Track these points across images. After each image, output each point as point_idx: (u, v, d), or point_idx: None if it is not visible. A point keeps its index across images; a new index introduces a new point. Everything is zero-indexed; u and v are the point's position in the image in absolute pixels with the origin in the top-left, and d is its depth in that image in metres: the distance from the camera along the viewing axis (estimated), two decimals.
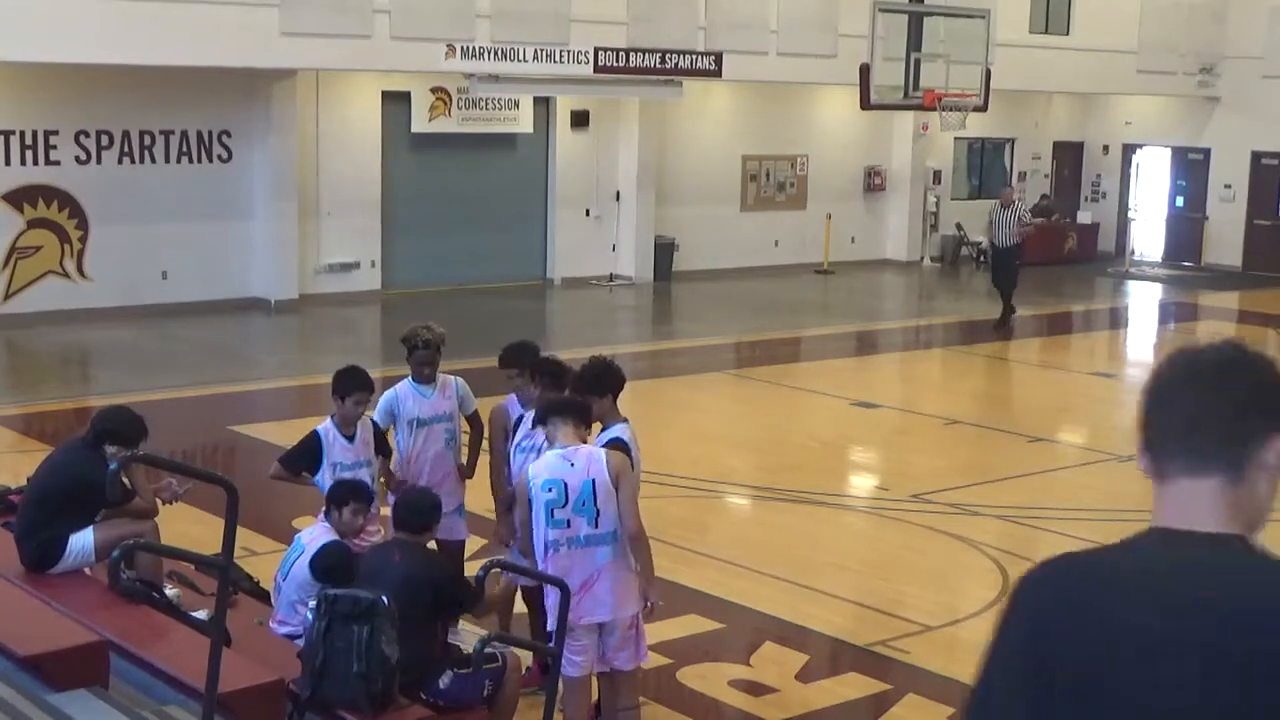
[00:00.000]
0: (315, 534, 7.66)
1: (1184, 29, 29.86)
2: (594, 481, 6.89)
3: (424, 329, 9.05)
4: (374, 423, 8.68)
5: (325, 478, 8.32)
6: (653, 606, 7.25)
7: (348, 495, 7.71)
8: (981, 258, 27.70)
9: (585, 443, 7.11)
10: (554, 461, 6.97)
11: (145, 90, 20.75)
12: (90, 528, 7.58)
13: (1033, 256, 30.25)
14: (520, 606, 8.61)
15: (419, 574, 6.86)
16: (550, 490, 6.91)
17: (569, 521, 6.92)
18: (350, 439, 8.43)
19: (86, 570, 7.70)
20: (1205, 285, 28.75)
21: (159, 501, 8.00)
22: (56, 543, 7.51)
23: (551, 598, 7.12)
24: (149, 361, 18.25)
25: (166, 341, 19.61)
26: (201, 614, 7.25)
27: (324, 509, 7.85)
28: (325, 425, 8.40)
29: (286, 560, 7.63)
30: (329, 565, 7.29)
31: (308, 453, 8.38)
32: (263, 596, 8.37)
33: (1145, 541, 2.44)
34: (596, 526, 6.93)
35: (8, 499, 8.77)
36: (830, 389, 16.52)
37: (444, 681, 6.85)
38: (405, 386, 8.93)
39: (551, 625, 7.15)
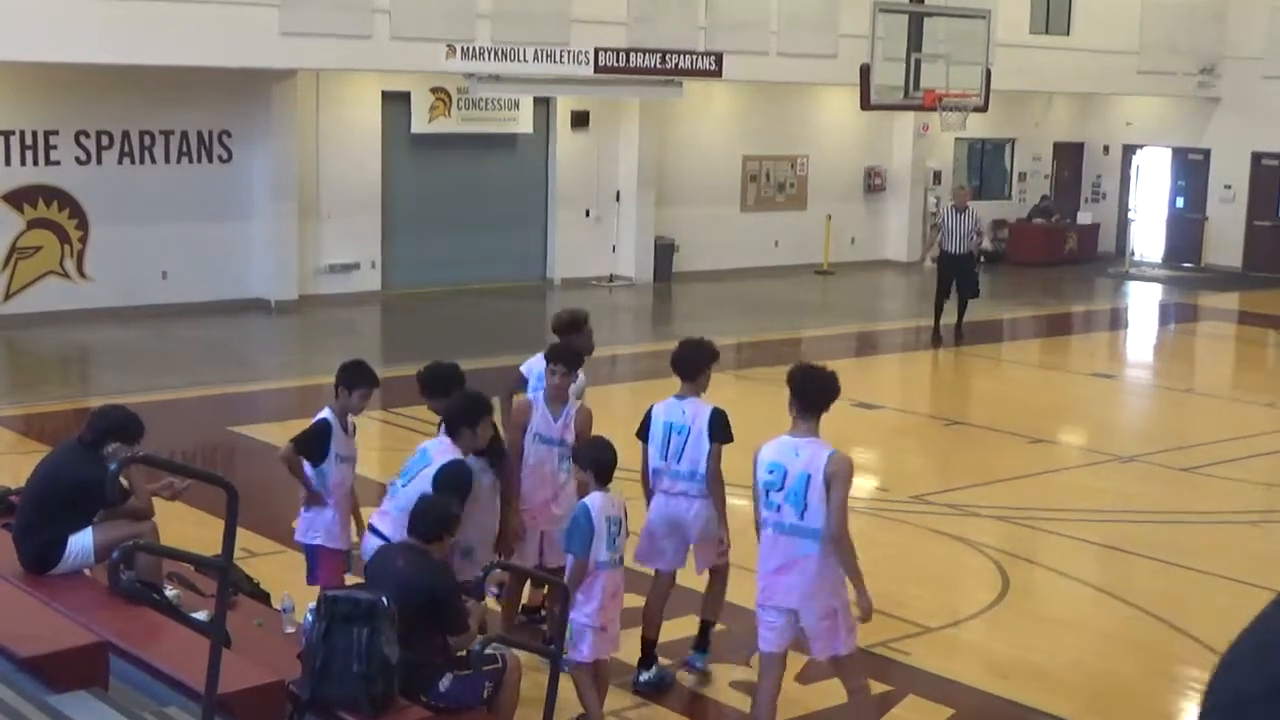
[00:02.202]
0: (441, 448, 7.95)
1: (1184, 29, 29.86)
2: (809, 476, 7.06)
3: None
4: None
5: (330, 468, 8.32)
6: (864, 615, 7.31)
7: (479, 413, 8.03)
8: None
9: (818, 435, 7.21)
10: (783, 446, 7.20)
11: (145, 90, 20.75)
12: (89, 529, 7.56)
13: (1033, 257, 30.39)
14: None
15: (420, 581, 6.84)
16: (771, 473, 7.16)
17: (779, 506, 7.14)
18: (345, 430, 8.46)
19: (86, 571, 7.69)
20: (1205, 286, 28.75)
21: (161, 498, 7.99)
22: (55, 544, 7.50)
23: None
24: (149, 362, 18.25)
25: (166, 342, 19.61)
26: (201, 615, 7.24)
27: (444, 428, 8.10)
28: (330, 414, 8.40)
29: (411, 468, 7.96)
30: (451, 482, 7.65)
31: (319, 439, 8.37)
32: (263, 598, 8.37)
33: None
34: (802, 519, 7.10)
35: (8, 500, 8.76)
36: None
37: (444, 684, 6.85)
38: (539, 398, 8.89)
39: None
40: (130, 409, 7.88)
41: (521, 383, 9.53)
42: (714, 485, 8.48)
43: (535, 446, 8.66)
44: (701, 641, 8.91)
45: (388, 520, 7.82)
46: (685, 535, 8.62)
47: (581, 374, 9.12)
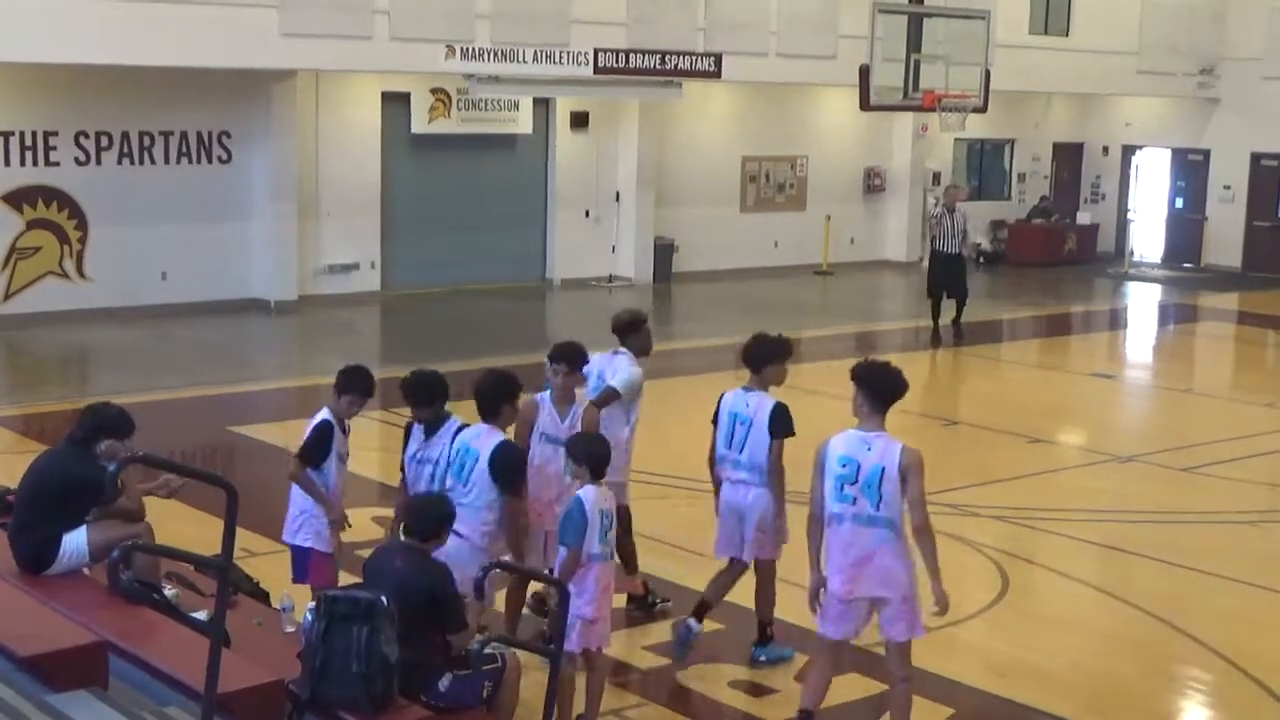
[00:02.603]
0: (481, 436, 8.10)
1: (1184, 30, 29.86)
2: (883, 469, 7.29)
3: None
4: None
5: (332, 467, 8.33)
6: (941, 606, 7.49)
7: (515, 391, 8.23)
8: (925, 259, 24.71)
9: (884, 427, 7.45)
10: (854, 441, 7.42)
11: (145, 91, 20.74)
12: (84, 528, 7.55)
13: (1032, 258, 30.39)
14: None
15: (419, 580, 6.83)
16: (844, 466, 7.38)
17: (855, 499, 7.36)
18: (343, 431, 8.49)
19: (85, 571, 7.69)
20: (1205, 286, 28.75)
21: (157, 496, 8.00)
22: (50, 543, 7.49)
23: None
24: (148, 362, 18.25)
25: (166, 342, 19.60)
26: (200, 614, 7.24)
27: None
28: (328, 413, 8.40)
29: (462, 468, 8.08)
30: (511, 464, 8.01)
31: (323, 441, 8.37)
32: (262, 597, 8.37)
33: None
34: (878, 510, 7.34)
35: (6, 500, 8.76)
36: (830, 390, 16.51)
37: (443, 684, 6.84)
38: (546, 399, 8.93)
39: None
40: (120, 406, 7.88)
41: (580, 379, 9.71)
42: (773, 479, 8.80)
43: (541, 446, 8.68)
44: (762, 638, 9.17)
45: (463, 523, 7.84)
46: (742, 522, 8.92)
47: (635, 366, 9.58)
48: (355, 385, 8.46)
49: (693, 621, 9.03)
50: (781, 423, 8.76)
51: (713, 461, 9.11)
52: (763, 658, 9.17)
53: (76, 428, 7.70)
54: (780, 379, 9.07)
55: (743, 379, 9.14)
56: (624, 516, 9.61)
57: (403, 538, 7.27)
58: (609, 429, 9.13)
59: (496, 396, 8.25)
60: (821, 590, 7.61)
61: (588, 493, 7.66)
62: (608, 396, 9.41)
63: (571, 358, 8.74)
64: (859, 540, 7.40)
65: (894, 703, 7.79)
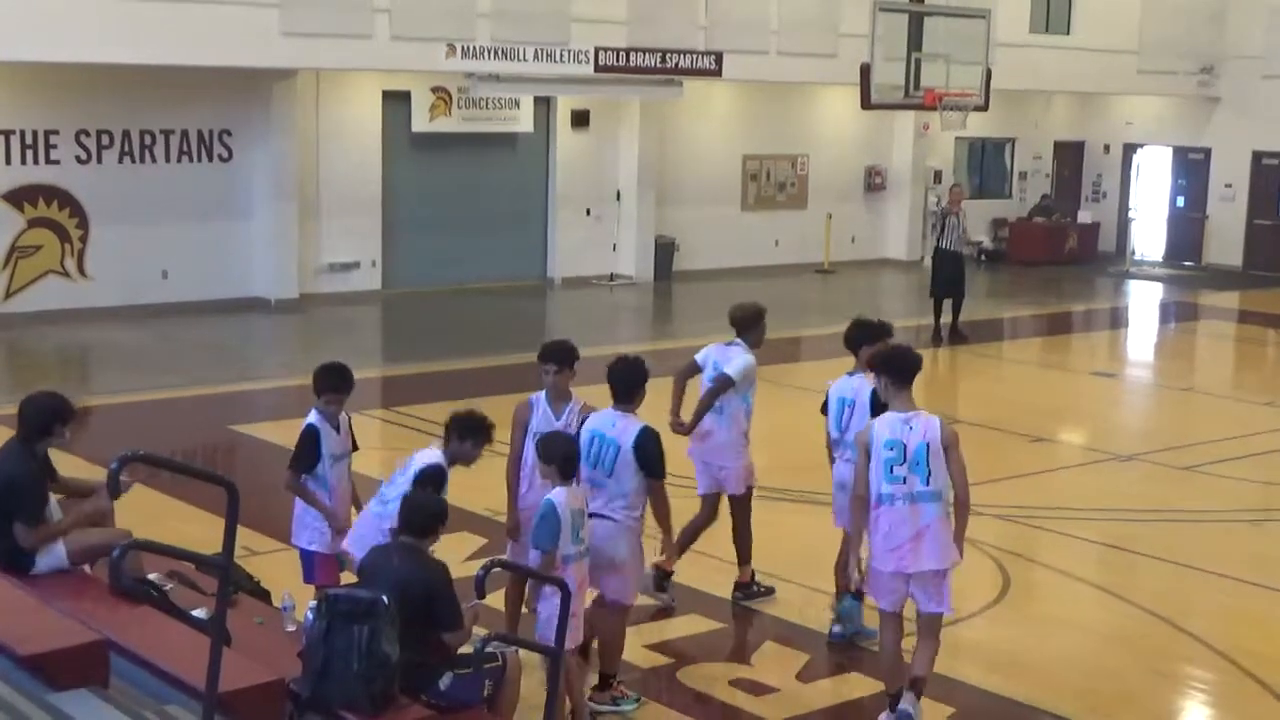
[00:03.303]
0: (617, 424, 8.24)
1: (1184, 29, 29.85)
2: (927, 445, 7.72)
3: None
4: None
5: (326, 469, 8.32)
6: (955, 562, 7.95)
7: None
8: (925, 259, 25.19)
9: (916, 407, 7.88)
10: (895, 423, 7.81)
11: (146, 90, 20.75)
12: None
13: (1034, 256, 30.39)
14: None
15: (416, 578, 6.82)
16: (891, 449, 7.75)
17: (905, 478, 7.72)
18: (336, 429, 8.45)
19: (87, 569, 7.69)
20: (1206, 285, 28.75)
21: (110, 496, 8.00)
22: (18, 550, 7.46)
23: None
24: (149, 361, 18.25)
25: (167, 341, 19.61)
26: (199, 612, 7.24)
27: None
28: (315, 417, 8.38)
29: (600, 457, 8.20)
30: (655, 452, 8.15)
31: (309, 446, 8.33)
32: (263, 596, 8.37)
33: None
34: (928, 484, 7.73)
35: None
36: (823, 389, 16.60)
37: (444, 683, 6.84)
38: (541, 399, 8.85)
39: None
40: (52, 391, 7.86)
41: (695, 369, 10.21)
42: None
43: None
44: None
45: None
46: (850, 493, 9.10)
47: (749, 355, 9.91)
48: (328, 383, 8.38)
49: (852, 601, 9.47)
50: (881, 403, 8.91)
51: (829, 446, 9.53)
52: (836, 629, 9.53)
53: (20, 425, 7.66)
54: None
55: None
56: (744, 504, 10.12)
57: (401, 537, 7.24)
58: (725, 416, 9.80)
59: (632, 381, 8.38)
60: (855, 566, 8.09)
61: (559, 494, 7.65)
62: (722, 384, 9.75)
63: (561, 356, 8.69)
64: (913, 517, 7.75)
65: (924, 658, 8.10)
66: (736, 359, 9.86)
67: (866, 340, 9.31)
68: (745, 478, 10.12)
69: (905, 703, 8.03)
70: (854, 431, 8.88)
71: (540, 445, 7.95)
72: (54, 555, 7.53)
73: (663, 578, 9.86)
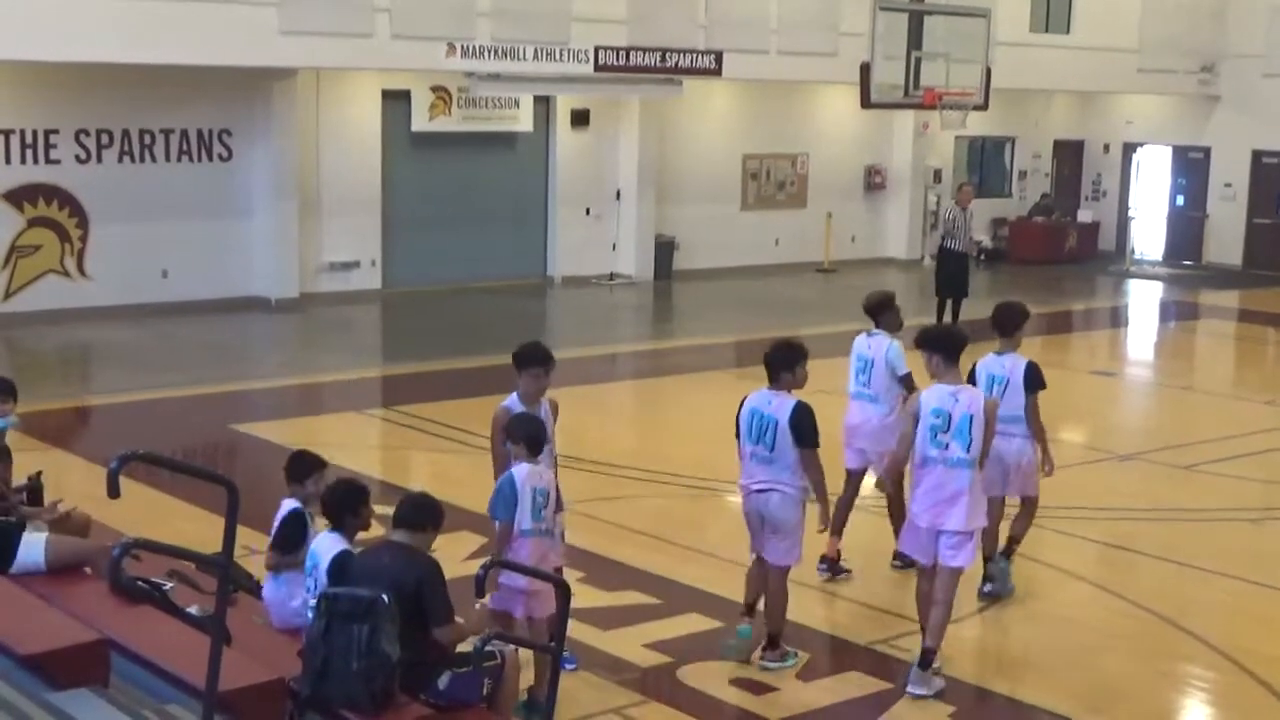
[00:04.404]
0: (773, 402, 8.73)
1: (1184, 27, 29.86)
2: (971, 416, 8.51)
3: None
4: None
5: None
6: (981, 526, 8.84)
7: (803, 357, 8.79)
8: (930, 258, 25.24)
9: (961, 379, 8.76)
10: (943, 394, 8.60)
11: (145, 89, 20.75)
12: (43, 536, 7.60)
13: (1033, 255, 30.39)
14: None
15: (407, 576, 6.78)
16: (937, 417, 8.54)
17: (948, 445, 8.50)
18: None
19: (87, 570, 7.69)
20: (1206, 284, 28.75)
21: (43, 520, 8.01)
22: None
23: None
24: (149, 360, 18.25)
25: (166, 340, 19.61)
26: (192, 609, 7.24)
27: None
28: (295, 504, 7.93)
29: (763, 433, 8.73)
30: (807, 423, 8.66)
31: (298, 528, 7.92)
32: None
33: None
34: (967, 452, 8.51)
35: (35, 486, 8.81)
36: (831, 388, 16.57)
37: (442, 682, 6.83)
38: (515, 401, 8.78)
39: None
40: None
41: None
42: (1033, 427, 10.10)
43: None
44: (1009, 550, 10.43)
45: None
46: (1005, 466, 10.03)
47: (895, 340, 10.57)
48: (297, 473, 7.99)
49: (1003, 560, 10.30)
50: (1035, 378, 10.08)
51: None
52: (987, 587, 10.18)
53: None
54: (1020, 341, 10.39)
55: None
56: (856, 482, 10.89)
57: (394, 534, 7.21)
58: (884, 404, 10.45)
59: (784, 363, 8.83)
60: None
61: (520, 470, 7.90)
62: (911, 385, 10.23)
63: (531, 360, 8.63)
64: (949, 481, 8.53)
65: (934, 624, 8.66)
66: (893, 350, 10.56)
67: (1020, 322, 10.27)
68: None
69: (909, 681, 8.60)
70: (1006, 407, 9.68)
71: (509, 425, 8.17)
72: (32, 559, 7.52)
73: (835, 565, 10.59)
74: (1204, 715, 9.07)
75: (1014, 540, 10.45)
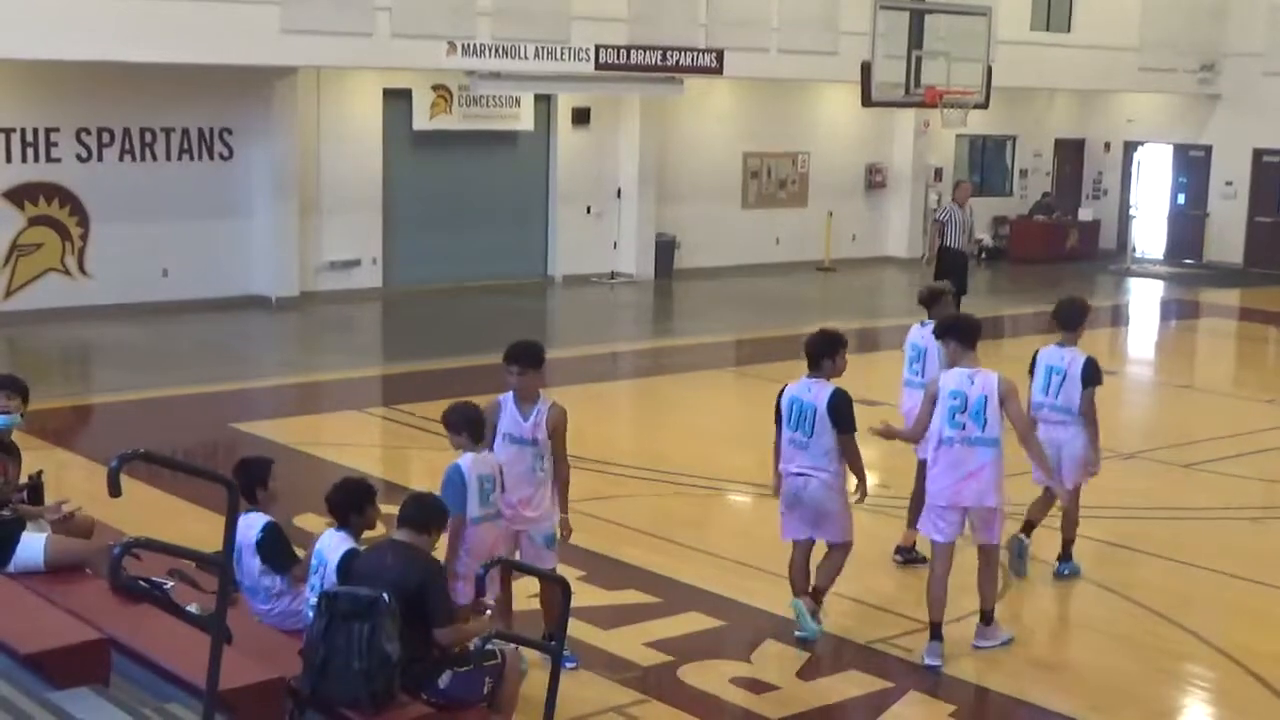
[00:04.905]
0: (813, 389, 9.17)
1: (1185, 26, 29.87)
2: (986, 397, 8.96)
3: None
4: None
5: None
6: (1003, 502, 9.23)
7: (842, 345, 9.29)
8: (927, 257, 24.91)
9: (979, 363, 9.17)
10: (960, 377, 9.08)
11: (146, 87, 20.75)
12: (44, 536, 7.63)
13: (1034, 254, 30.38)
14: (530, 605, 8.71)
15: (410, 576, 6.80)
16: (955, 398, 9.02)
17: (964, 425, 8.99)
18: None
19: (88, 570, 7.70)
20: (1206, 282, 28.74)
21: (45, 518, 8.02)
22: None
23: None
24: (149, 359, 18.25)
25: (167, 339, 19.61)
26: (191, 607, 7.24)
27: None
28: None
29: (802, 419, 9.15)
30: (845, 408, 9.11)
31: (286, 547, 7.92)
32: None
33: None
34: (983, 431, 8.98)
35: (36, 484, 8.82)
36: None
37: (444, 681, 6.84)
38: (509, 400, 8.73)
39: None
40: None
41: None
42: (1087, 420, 10.42)
43: (505, 447, 8.53)
44: (1066, 554, 10.81)
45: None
46: (1060, 455, 10.39)
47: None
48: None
49: (1024, 536, 10.60)
50: (1093, 372, 10.38)
51: (1032, 406, 10.56)
52: (1065, 572, 10.72)
53: None
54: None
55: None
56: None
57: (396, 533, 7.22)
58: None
59: (824, 350, 9.28)
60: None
61: (466, 459, 8.01)
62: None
63: (524, 358, 8.60)
64: (966, 459, 9.00)
65: (984, 595, 9.32)
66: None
67: (1080, 316, 10.72)
68: None
69: (976, 639, 9.24)
70: (1063, 397, 10.32)
71: (446, 417, 8.24)
72: (31, 557, 7.53)
73: (910, 552, 10.95)
74: (1204, 714, 9.06)
75: (1031, 524, 10.79)
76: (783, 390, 9.36)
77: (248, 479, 7.65)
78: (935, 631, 9.06)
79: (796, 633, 9.35)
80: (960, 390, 9.01)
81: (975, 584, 9.34)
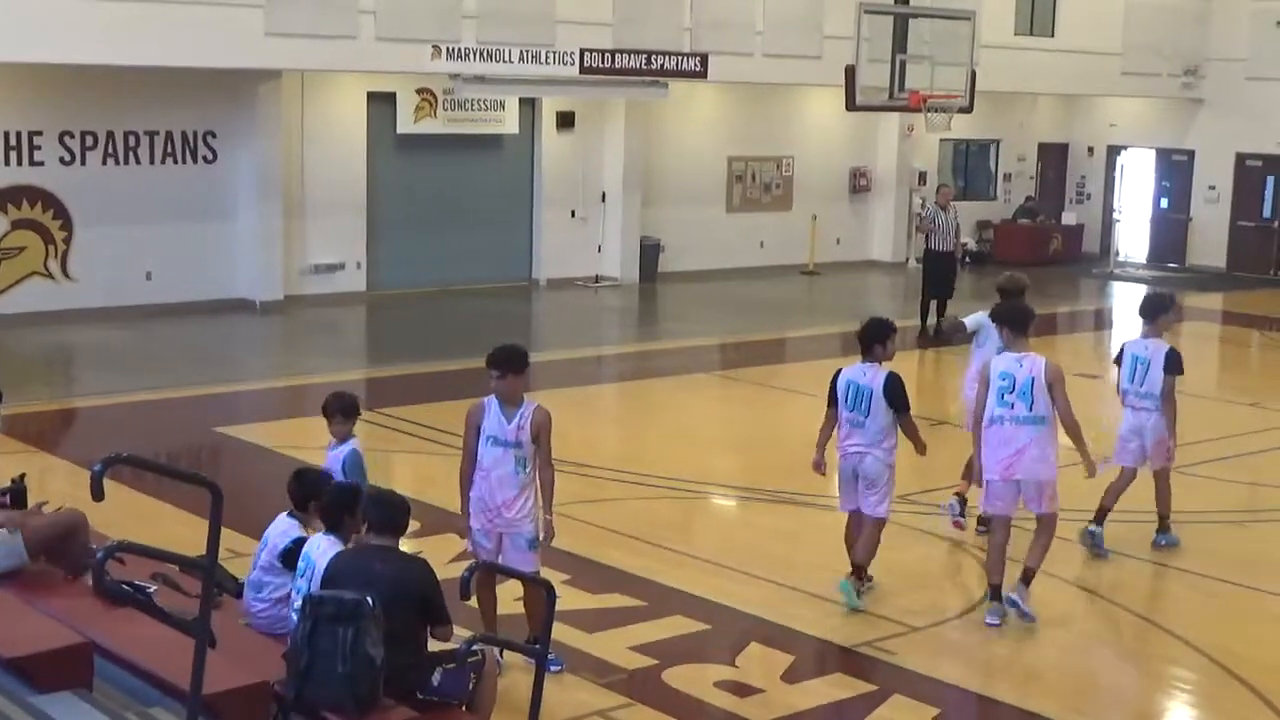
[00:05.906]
0: (868, 373, 9.99)
1: (1168, 31, 29.95)
2: (1033, 379, 9.71)
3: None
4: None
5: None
6: (1090, 472, 10.23)
7: (891, 332, 10.18)
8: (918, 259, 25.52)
9: (1029, 348, 9.94)
10: (1010, 360, 9.89)
11: (130, 91, 20.70)
12: (16, 535, 7.57)
13: (1018, 258, 30.38)
14: (514, 608, 8.68)
15: (407, 579, 6.79)
16: (1004, 379, 9.79)
17: (1013, 405, 9.73)
18: None
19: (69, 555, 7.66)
20: (1190, 286, 28.75)
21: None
22: None
23: None
24: (133, 362, 18.20)
25: (151, 342, 19.56)
26: (176, 611, 7.22)
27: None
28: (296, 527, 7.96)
29: (858, 401, 9.95)
30: (900, 391, 9.93)
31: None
32: None
33: None
34: (1030, 410, 9.71)
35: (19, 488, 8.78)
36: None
37: (436, 679, 6.87)
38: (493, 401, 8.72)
39: None
40: None
41: (967, 335, 12.28)
42: (1167, 406, 11.40)
43: (489, 449, 8.52)
44: (1163, 526, 11.70)
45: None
46: (1143, 439, 11.50)
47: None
48: (301, 493, 7.97)
49: (1095, 527, 11.48)
50: (1175, 362, 11.41)
51: (1120, 394, 11.78)
52: (1163, 543, 11.61)
53: None
54: (1167, 326, 12.10)
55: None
56: None
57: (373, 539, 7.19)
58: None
59: (877, 336, 10.09)
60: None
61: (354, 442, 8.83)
62: None
63: (504, 363, 8.58)
64: (1016, 436, 9.71)
65: (1036, 554, 10.00)
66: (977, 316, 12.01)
67: (1164, 308, 11.89)
68: None
69: (1015, 592, 9.81)
70: (1147, 385, 11.41)
71: (327, 404, 9.18)
72: (14, 552, 7.49)
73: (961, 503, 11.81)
74: (1188, 717, 9.08)
75: (1104, 509, 11.53)
76: (838, 374, 10.16)
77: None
78: (994, 593, 9.88)
79: (843, 600, 10.04)
80: (1009, 372, 9.77)
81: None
